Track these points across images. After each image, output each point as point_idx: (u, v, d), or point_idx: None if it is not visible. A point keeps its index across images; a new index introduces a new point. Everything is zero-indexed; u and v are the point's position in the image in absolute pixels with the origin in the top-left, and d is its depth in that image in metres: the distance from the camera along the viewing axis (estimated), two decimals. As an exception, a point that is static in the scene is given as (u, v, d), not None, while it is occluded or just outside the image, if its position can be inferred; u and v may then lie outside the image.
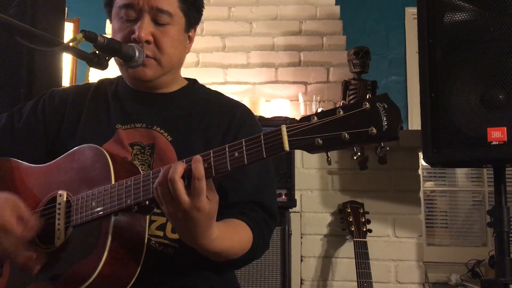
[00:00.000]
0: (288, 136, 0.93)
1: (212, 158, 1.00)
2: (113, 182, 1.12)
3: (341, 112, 0.91)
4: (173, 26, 1.32)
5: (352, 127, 0.89)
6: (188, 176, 0.99)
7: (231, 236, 1.19)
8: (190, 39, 1.43)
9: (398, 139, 0.89)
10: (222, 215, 1.26)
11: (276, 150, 0.95)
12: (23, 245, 1.14)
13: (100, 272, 1.06)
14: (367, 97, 0.91)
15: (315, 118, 0.93)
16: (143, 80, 1.33)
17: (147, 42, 1.29)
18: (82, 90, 1.44)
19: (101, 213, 1.11)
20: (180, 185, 0.98)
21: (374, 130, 0.87)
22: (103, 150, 1.18)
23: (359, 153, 0.96)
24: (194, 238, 1.07)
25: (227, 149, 0.99)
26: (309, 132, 0.92)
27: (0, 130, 1.39)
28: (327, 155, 0.95)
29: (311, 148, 0.93)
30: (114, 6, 1.35)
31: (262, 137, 0.96)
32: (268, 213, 1.32)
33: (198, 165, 0.98)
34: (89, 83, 1.50)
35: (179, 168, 0.99)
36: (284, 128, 0.94)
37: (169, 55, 1.33)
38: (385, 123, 0.87)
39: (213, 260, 1.21)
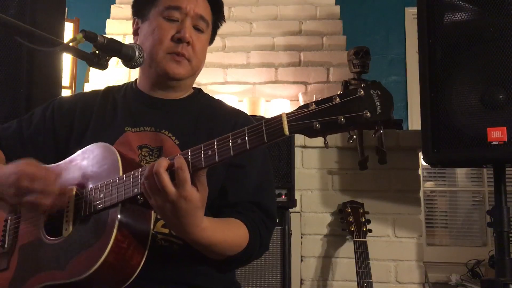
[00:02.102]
0: (288, 121, 0.99)
1: (216, 146, 1.05)
2: (121, 174, 1.15)
3: (337, 99, 0.97)
4: (205, 35, 1.48)
5: (348, 112, 0.96)
6: (172, 170, 1.05)
7: (223, 229, 1.22)
8: None
9: (390, 121, 0.96)
10: (221, 214, 1.30)
11: (277, 135, 1.00)
12: (50, 184, 1.18)
13: (105, 260, 1.09)
14: (362, 85, 0.98)
15: (313, 105, 0.99)
16: (176, 77, 1.40)
17: (188, 43, 1.39)
18: (90, 98, 1.49)
19: (108, 203, 1.14)
20: (165, 176, 1.04)
21: (368, 114, 0.94)
22: (112, 147, 1.23)
23: (354, 137, 1.02)
24: (183, 227, 1.11)
25: (230, 137, 1.05)
26: (308, 118, 0.98)
27: (10, 138, 1.44)
28: (325, 139, 1.02)
29: (309, 132, 0.99)
30: (157, 5, 1.42)
31: (263, 123, 1.02)
32: (267, 214, 1.35)
33: (179, 159, 1.05)
34: (96, 90, 1.56)
35: (164, 162, 1.05)
36: (284, 114, 1.00)
37: (199, 59, 1.45)
38: (379, 107, 0.95)
39: (210, 257, 1.24)
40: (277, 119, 1.01)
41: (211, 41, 1.56)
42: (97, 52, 1.20)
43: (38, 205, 1.18)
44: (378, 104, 0.95)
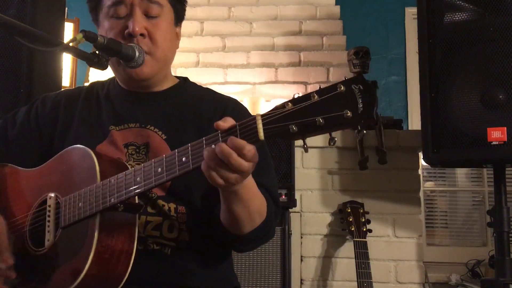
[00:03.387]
0: (263, 124, 0.92)
1: (190, 152, 1.00)
2: (98, 182, 1.12)
3: (316, 97, 0.88)
4: (163, 19, 1.34)
5: (327, 112, 0.87)
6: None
7: (255, 189, 1.17)
8: (177, 36, 1.43)
9: (374, 120, 0.87)
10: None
11: (252, 139, 0.94)
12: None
13: (88, 273, 1.06)
14: (344, 78, 0.89)
15: (290, 104, 0.90)
16: (141, 78, 1.33)
17: (142, 35, 1.29)
18: (74, 94, 1.44)
19: (87, 213, 1.11)
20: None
21: (349, 113, 0.85)
22: (90, 150, 1.18)
23: (335, 138, 0.94)
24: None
25: (204, 142, 0.99)
26: (284, 119, 0.90)
27: None
28: (304, 142, 0.93)
29: (286, 136, 0.91)
30: (101, 7, 1.35)
31: (237, 127, 0.95)
32: (272, 196, 1.29)
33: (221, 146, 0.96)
34: (80, 86, 1.51)
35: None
36: (259, 117, 0.92)
37: (163, 48, 1.33)
38: (361, 105, 0.85)
39: (234, 233, 1.19)
40: (251, 121, 0.93)
41: (178, 19, 1.41)
42: (97, 52, 1.19)
43: None
44: (360, 101, 0.85)
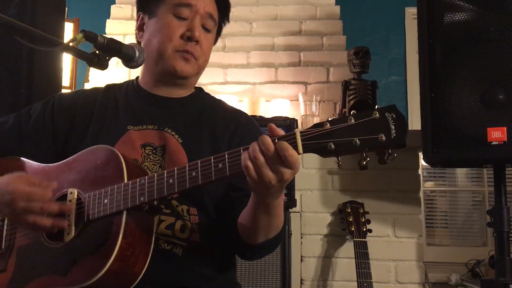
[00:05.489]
0: (302, 140, 0.99)
1: (227, 159, 1.05)
2: (125, 181, 1.15)
3: (352, 120, 0.98)
4: (212, 35, 1.47)
5: (363, 134, 0.97)
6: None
7: (282, 206, 1.21)
8: None
9: (405, 147, 0.96)
10: (241, 204, 1.26)
11: None
12: (48, 205, 1.17)
13: (109, 268, 1.08)
14: (376, 107, 0.98)
15: (328, 124, 0.99)
16: (184, 74, 1.40)
17: (197, 42, 1.39)
18: (91, 94, 1.48)
19: (113, 209, 1.13)
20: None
21: (384, 137, 0.95)
22: (116, 151, 1.21)
23: (368, 159, 1.02)
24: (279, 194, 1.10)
25: (242, 151, 1.03)
26: (322, 137, 0.99)
27: (8, 132, 1.41)
28: (338, 159, 1.02)
29: (323, 152, 0.99)
30: (166, 2, 1.40)
31: (276, 140, 1.00)
32: None
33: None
34: (96, 87, 1.54)
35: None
36: (298, 132, 1.00)
37: (206, 58, 1.45)
38: (394, 131, 0.96)
39: (250, 243, 1.23)
40: (291, 136, 1.00)
41: (215, 41, 1.54)
42: (97, 52, 1.20)
43: (37, 226, 1.17)
44: (393, 128, 0.96)
